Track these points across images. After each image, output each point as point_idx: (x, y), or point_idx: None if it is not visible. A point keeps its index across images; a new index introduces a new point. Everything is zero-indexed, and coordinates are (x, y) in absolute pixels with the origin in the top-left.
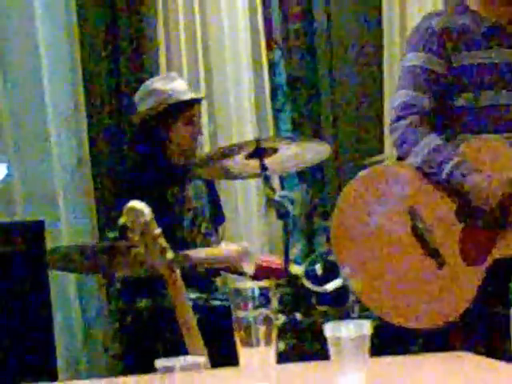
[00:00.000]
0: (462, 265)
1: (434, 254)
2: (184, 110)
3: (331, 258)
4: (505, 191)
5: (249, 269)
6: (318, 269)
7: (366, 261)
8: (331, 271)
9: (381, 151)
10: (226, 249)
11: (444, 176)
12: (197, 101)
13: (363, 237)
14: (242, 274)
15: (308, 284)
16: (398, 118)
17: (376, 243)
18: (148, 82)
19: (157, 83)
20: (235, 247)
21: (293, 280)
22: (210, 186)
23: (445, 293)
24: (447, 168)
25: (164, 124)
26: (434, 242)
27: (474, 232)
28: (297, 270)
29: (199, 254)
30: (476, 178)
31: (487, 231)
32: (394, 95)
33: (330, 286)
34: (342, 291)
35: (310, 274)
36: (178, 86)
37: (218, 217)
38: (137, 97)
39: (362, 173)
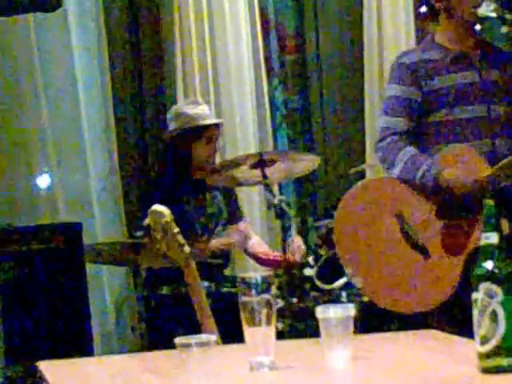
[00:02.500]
0: (444, 256)
1: (420, 249)
2: (206, 131)
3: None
4: (474, 188)
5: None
6: (311, 260)
7: (365, 260)
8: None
9: (362, 162)
10: (233, 232)
11: (418, 180)
12: (217, 125)
13: (361, 239)
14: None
15: (319, 283)
16: (380, 140)
17: (372, 244)
18: (178, 105)
19: (185, 107)
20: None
21: (289, 270)
22: (230, 193)
23: (432, 281)
24: (420, 172)
25: (188, 142)
26: (419, 239)
27: (452, 227)
28: (310, 272)
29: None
30: (447, 172)
31: (464, 225)
32: (379, 119)
33: (337, 285)
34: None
35: (321, 275)
36: (202, 111)
37: (234, 218)
38: (168, 117)
39: (357, 184)
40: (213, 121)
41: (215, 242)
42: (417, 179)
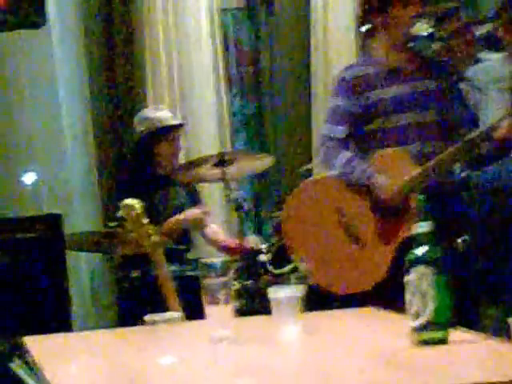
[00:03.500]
0: (377, 245)
1: (356, 239)
2: (167, 132)
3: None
4: (401, 189)
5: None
6: (265, 248)
7: (309, 248)
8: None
9: (309, 162)
10: (188, 211)
11: (354, 180)
12: (177, 126)
13: (307, 230)
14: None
15: (272, 269)
16: (321, 144)
17: (315, 234)
18: (143, 111)
19: (149, 112)
20: (195, 210)
21: (246, 256)
22: (192, 189)
23: (367, 267)
24: (356, 174)
25: (154, 142)
26: (356, 230)
27: (384, 220)
28: (264, 258)
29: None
30: (378, 178)
31: (394, 218)
32: (321, 127)
33: (287, 269)
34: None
35: (274, 260)
36: (163, 115)
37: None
38: (135, 122)
39: (303, 182)
40: (175, 122)
41: (174, 218)
42: (353, 180)
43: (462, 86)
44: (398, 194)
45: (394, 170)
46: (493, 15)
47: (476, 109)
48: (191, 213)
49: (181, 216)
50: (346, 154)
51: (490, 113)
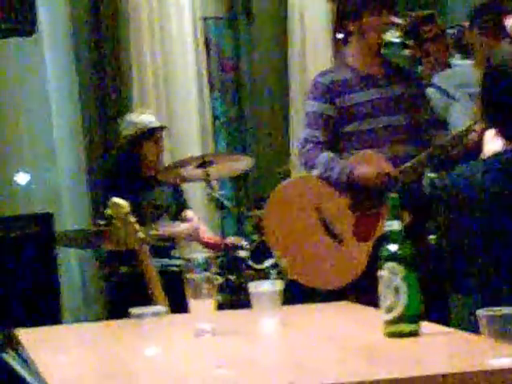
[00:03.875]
0: (355, 242)
1: (335, 236)
2: (150, 135)
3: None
4: (381, 181)
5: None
6: (245, 244)
7: (289, 244)
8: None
9: (287, 162)
10: (177, 227)
11: (334, 179)
12: (159, 129)
13: (287, 227)
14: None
15: (252, 264)
16: (302, 148)
17: (295, 231)
18: (127, 115)
19: (133, 116)
20: (185, 226)
21: (227, 252)
22: (177, 189)
23: (344, 263)
24: (335, 172)
25: (139, 144)
26: (334, 227)
27: (362, 218)
28: (244, 254)
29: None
30: (358, 170)
31: (371, 217)
32: (301, 132)
33: (266, 264)
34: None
35: (254, 256)
36: (147, 118)
37: (181, 209)
38: (120, 126)
39: (284, 182)
40: (157, 125)
41: (168, 228)
42: (333, 178)
43: (431, 90)
44: (385, 181)
45: (371, 169)
46: (464, 22)
47: (445, 113)
48: (185, 229)
49: (174, 231)
50: (326, 155)
51: (459, 117)
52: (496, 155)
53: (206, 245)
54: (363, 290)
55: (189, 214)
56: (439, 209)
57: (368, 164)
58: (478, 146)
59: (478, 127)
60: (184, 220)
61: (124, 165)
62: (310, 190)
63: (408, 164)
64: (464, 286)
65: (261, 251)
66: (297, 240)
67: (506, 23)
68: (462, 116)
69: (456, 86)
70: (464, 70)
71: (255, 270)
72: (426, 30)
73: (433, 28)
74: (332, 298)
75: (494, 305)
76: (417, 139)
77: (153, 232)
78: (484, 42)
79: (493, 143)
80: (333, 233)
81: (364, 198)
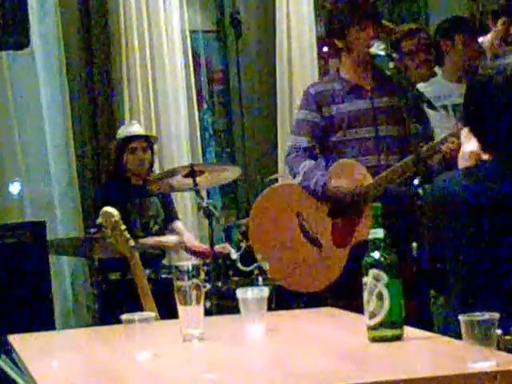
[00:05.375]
0: (333, 248)
1: (314, 241)
2: (130, 143)
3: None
4: (355, 193)
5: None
6: (233, 253)
7: (272, 249)
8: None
9: (274, 172)
10: (165, 239)
11: (312, 188)
12: (139, 137)
13: (270, 233)
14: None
15: (240, 266)
16: (288, 154)
17: (278, 237)
18: (121, 127)
19: (123, 128)
20: (173, 238)
21: (215, 260)
22: (167, 198)
23: (323, 267)
24: (313, 182)
25: (120, 153)
26: (314, 234)
27: (340, 225)
28: (234, 256)
29: (148, 241)
30: (332, 184)
31: (349, 224)
32: (289, 139)
33: (252, 267)
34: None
35: (242, 260)
36: (133, 129)
37: (170, 218)
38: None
39: (267, 189)
40: (132, 133)
41: (156, 239)
42: (310, 188)
43: (418, 101)
44: (358, 195)
45: (349, 179)
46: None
47: (430, 123)
48: (173, 241)
49: (163, 242)
50: (307, 164)
51: (438, 128)
52: (473, 167)
53: (194, 253)
54: (341, 294)
55: (178, 225)
56: (422, 217)
57: (346, 175)
58: (455, 156)
59: (454, 138)
60: (172, 231)
61: (112, 175)
62: (291, 197)
63: (383, 174)
64: (446, 292)
65: (248, 256)
66: (278, 245)
67: (480, 40)
68: (439, 128)
69: (431, 99)
70: (439, 81)
71: (243, 275)
72: (409, 43)
73: (415, 41)
74: (311, 301)
75: (474, 307)
76: (403, 150)
77: (141, 242)
78: (457, 54)
79: (468, 143)
80: (312, 238)
81: (343, 205)
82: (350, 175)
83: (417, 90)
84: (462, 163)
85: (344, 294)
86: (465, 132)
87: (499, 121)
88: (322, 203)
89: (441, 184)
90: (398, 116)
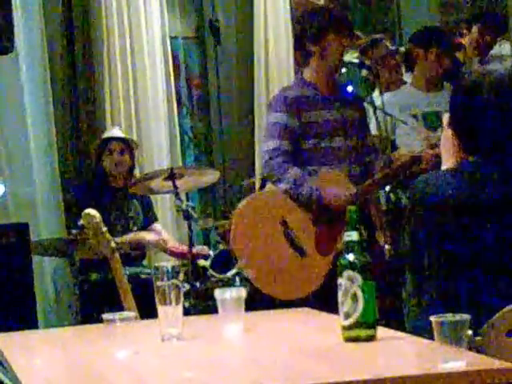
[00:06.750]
0: (317, 255)
1: (298, 248)
2: (108, 145)
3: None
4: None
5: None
6: (211, 254)
7: (254, 255)
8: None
9: (252, 176)
10: (143, 235)
11: (305, 197)
12: (116, 139)
13: (253, 239)
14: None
15: (213, 273)
16: (270, 158)
17: (261, 243)
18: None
19: (105, 132)
20: (151, 235)
21: (194, 261)
22: (146, 201)
23: (306, 274)
24: (306, 191)
25: (99, 156)
26: (298, 241)
27: (324, 233)
28: (204, 263)
29: (126, 238)
30: (326, 193)
31: (332, 231)
32: (266, 142)
33: (230, 274)
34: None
35: (214, 266)
36: (112, 132)
37: (149, 220)
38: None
39: (251, 195)
40: (109, 135)
41: (132, 235)
42: (302, 196)
43: (378, 113)
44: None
45: (336, 187)
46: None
47: (392, 134)
48: (149, 237)
49: (140, 236)
50: (296, 171)
51: (407, 138)
52: (456, 168)
53: (173, 254)
54: (323, 302)
55: (157, 227)
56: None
57: (333, 184)
58: (433, 167)
59: (431, 151)
60: (151, 231)
61: (93, 177)
62: (275, 204)
63: (367, 183)
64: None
65: (225, 261)
66: (262, 252)
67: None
68: (409, 137)
69: (400, 107)
70: (408, 91)
71: (218, 279)
72: (374, 52)
73: (381, 50)
74: (293, 305)
75: (446, 308)
76: (362, 162)
77: (120, 240)
78: (428, 64)
79: (450, 145)
80: (296, 246)
81: (326, 213)
82: (336, 184)
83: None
84: (445, 164)
85: (326, 302)
86: (446, 134)
87: (484, 125)
88: (306, 211)
89: (423, 185)
90: (359, 129)
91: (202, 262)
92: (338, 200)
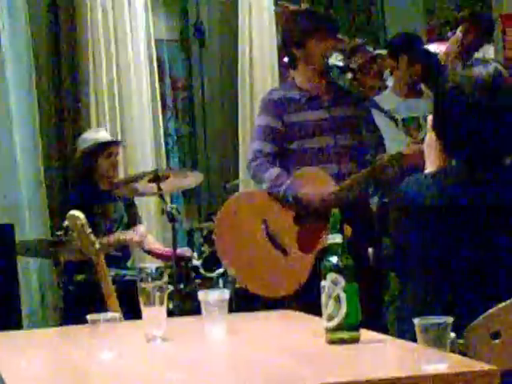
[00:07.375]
0: (298, 254)
1: (280, 247)
2: (106, 148)
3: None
4: (321, 202)
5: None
6: (195, 255)
7: (238, 255)
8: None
9: (236, 178)
10: (126, 235)
11: (282, 194)
12: (112, 143)
13: (236, 239)
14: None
15: (203, 271)
16: (253, 160)
17: (244, 243)
18: (84, 133)
19: (88, 133)
20: (134, 234)
21: (178, 262)
22: (130, 203)
23: (289, 273)
24: (282, 190)
25: (93, 158)
26: (280, 240)
27: (305, 231)
28: (196, 262)
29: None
30: (301, 193)
31: (314, 230)
32: (251, 144)
33: (217, 272)
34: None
35: (205, 265)
36: (102, 135)
37: (133, 222)
38: (78, 142)
39: (234, 195)
40: (110, 139)
41: (116, 235)
42: (279, 196)
43: (374, 113)
44: (324, 203)
45: (315, 185)
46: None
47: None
48: (132, 237)
49: (123, 236)
50: (275, 171)
51: (390, 140)
52: (440, 171)
53: (156, 255)
54: (306, 299)
55: (140, 228)
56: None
57: (313, 183)
58: (413, 167)
59: (412, 148)
60: (135, 232)
61: (80, 179)
62: (257, 203)
63: (347, 182)
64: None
65: (211, 261)
66: (245, 251)
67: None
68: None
69: (384, 109)
70: (388, 96)
71: (205, 278)
72: (358, 57)
73: (363, 55)
74: (276, 307)
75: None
76: (358, 159)
77: (103, 240)
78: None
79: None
80: (278, 244)
81: (308, 212)
82: (316, 182)
83: (374, 100)
84: (429, 168)
85: (308, 299)
86: (429, 137)
87: (467, 128)
88: (287, 210)
89: (406, 189)
90: (354, 126)
91: (195, 262)
92: (316, 198)
